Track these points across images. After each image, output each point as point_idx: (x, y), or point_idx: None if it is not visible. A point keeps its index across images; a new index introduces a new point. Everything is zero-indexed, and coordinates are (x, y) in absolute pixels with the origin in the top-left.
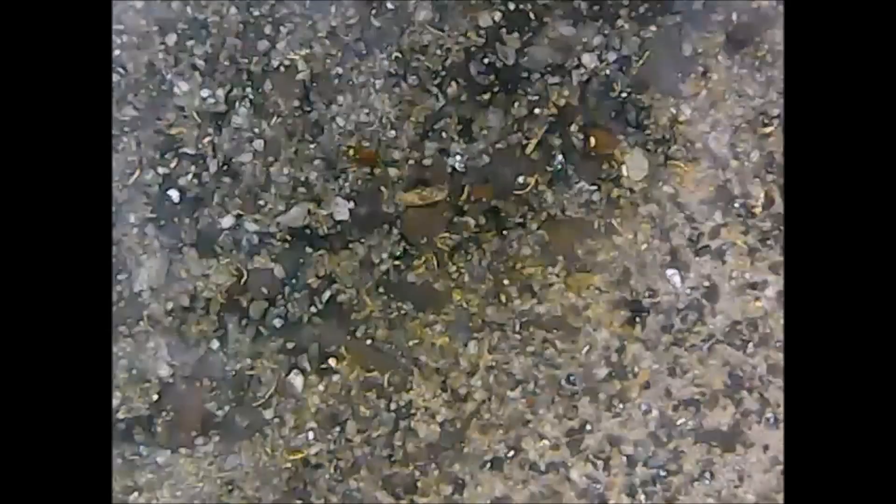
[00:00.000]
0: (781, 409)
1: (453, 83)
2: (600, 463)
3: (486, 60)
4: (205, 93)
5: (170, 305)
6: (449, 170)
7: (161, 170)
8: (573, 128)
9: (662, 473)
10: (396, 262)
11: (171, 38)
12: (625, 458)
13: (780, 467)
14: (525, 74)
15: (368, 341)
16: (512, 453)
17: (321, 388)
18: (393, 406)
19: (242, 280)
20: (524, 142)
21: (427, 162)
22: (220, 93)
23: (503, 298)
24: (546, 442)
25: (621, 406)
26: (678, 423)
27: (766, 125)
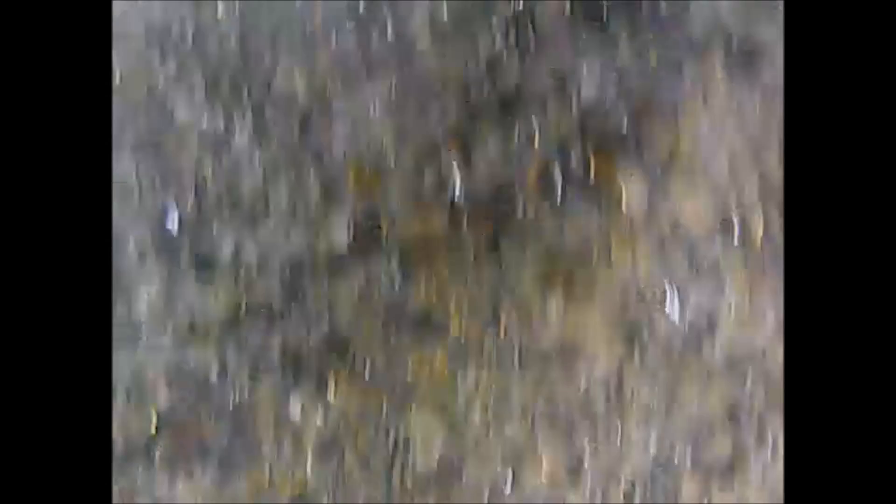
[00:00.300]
0: (781, 443)
1: (453, 111)
2: (598, 494)
3: (486, 88)
4: (204, 118)
5: (168, 333)
6: (448, 198)
7: (160, 196)
8: (573, 156)
9: None
10: (395, 292)
11: (171, 63)
12: (623, 491)
13: (780, 501)
14: (525, 102)
15: (367, 371)
16: (510, 485)
17: (319, 417)
18: (391, 436)
19: (241, 308)
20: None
21: (426, 190)
22: (220, 118)
23: (502, 328)
24: (544, 473)
25: (619, 437)
26: (676, 454)
27: (766, 154)
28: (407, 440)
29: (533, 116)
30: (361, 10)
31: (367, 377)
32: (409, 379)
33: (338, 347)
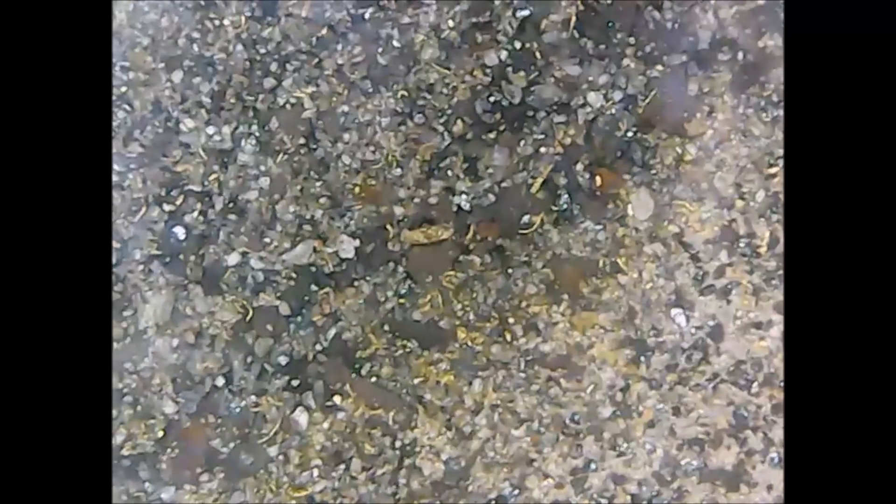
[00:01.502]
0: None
1: (459, 122)
2: (605, 502)
3: (492, 99)
4: (211, 130)
5: (175, 342)
6: (454, 208)
7: (167, 207)
8: (579, 167)
9: None
10: (401, 300)
11: (177, 76)
12: (629, 498)
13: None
14: (531, 113)
15: (373, 379)
16: (517, 492)
17: (326, 425)
18: (397, 444)
19: (248, 317)
20: (530, 181)
21: (433, 200)
22: (226, 130)
23: (508, 337)
24: (550, 481)
25: (626, 445)
26: (682, 462)
27: (771, 165)
28: (413, 447)
29: (538, 126)
30: (368, 17)
31: (373, 384)
32: (415, 386)
33: (344, 355)
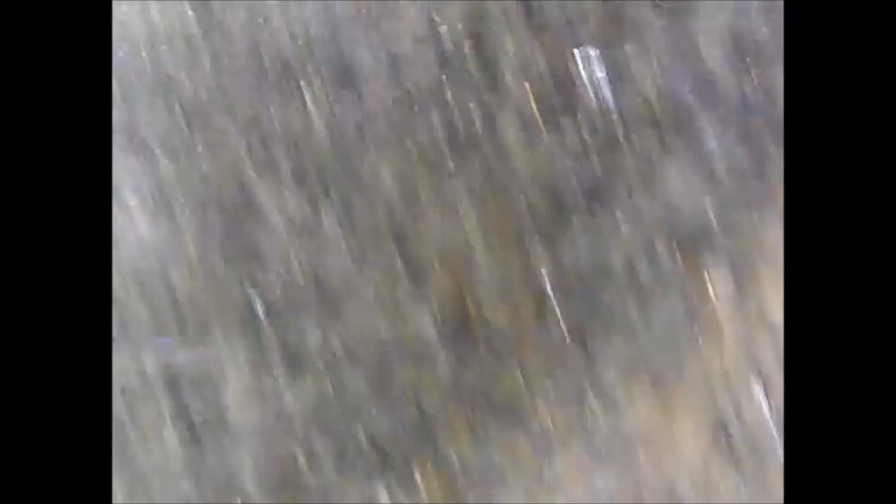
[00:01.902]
0: None
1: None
2: None
3: (573, 179)
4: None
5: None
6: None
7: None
8: (659, 246)
9: None
10: (483, 379)
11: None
12: None
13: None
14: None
15: (454, 458)
16: None
17: None
18: None
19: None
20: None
21: (514, 279)
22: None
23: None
24: None
25: None
26: None
27: None
28: None
29: (619, 208)
30: (449, 98)
31: (454, 465)
32: (495, 466)
33: (425, 435)
